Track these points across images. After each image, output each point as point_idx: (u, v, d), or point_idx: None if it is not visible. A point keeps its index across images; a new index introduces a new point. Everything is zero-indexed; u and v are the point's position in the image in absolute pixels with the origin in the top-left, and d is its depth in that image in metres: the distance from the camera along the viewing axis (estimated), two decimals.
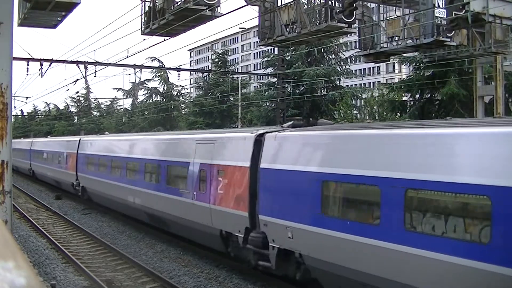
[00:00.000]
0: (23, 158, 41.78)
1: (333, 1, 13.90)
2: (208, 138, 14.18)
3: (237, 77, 45.69)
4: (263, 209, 10.95)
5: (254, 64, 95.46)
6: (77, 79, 28.89)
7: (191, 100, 59.54)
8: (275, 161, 10.79)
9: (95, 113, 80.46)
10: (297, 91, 36.38)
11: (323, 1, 14.28)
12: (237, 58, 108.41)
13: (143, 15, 15.28)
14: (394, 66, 73.19)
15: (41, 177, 36.60)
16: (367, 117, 34.96)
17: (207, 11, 13.02)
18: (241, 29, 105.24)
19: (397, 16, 17.57)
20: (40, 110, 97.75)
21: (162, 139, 18.48)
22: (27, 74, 28.17)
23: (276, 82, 34.20)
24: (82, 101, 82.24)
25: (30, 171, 39.69)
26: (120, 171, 20.06)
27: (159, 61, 52.15)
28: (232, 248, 12.41)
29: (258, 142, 11.36)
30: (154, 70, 55.84)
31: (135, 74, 63.43)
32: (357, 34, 18.23)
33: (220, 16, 13.34)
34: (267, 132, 11.38)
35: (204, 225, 13.09)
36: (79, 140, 26.94)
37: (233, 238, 12.11)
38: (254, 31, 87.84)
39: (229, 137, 13.52)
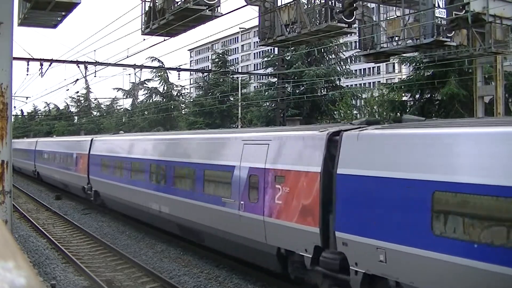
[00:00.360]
0: (27, 158, 40.10)
1: (333, 1, 13.89)
2: (259, 137, 11.93)
3: (237, 77, 45.71)
4: (342, 224, 8.91)
5: (254, 64, 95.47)
6: (77, 79, 28.99)
7: (191, 100, 59.57)
8: (361, 166, 8.73)
9: (95, 113, 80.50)
10: (297, 91, 36.41)
11: (323, 1, 14.28)
12: (237, 58, 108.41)
13: (143, 15, 15.28)
14: (394, 66, 73.19)
15: (46, 179, 34.59)
16: (367, 117, 34.97)
17: (207, 11, 13.02)
18: (241, 29, 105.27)
19: (397, 16, 17.57)
20: (40, 110, 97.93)
21: (197, 139, 15.95)
22: (27, 74, 28.26)
23: (276, 82, 34.21)
24: (82, 101, 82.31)
25: (35, 173, 37.69)
26: (142, 174, 17.75)
27: (159, 61, 52.21)
28: (293, 269, 10.45)
29: (332, 143, 9.44)
30: (154, 70, 55.90)
31: (135, 74, 63.49)
32: (357, 34, 18.24)
33: (220, 16, 13.34)
34: (343, 130, 9.42)
35: (255, 241, 11.11)
36: (91, 140, 24.52)
37: (295, 258, 10.18)
38: (254, 31, 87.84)
39: (289, 136, 11.18)
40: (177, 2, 13.72)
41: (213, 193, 13.04)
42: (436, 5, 15.12)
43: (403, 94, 30.99)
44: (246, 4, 15.12)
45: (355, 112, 37.41)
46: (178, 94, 60.14)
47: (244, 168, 11.61)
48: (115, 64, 26.36)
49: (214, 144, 14.29)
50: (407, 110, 28.31)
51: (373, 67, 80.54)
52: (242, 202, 11.50)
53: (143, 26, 15.30)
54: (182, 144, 16.20)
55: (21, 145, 45.72)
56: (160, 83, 59.45)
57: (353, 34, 18.87)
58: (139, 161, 18.15)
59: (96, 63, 25.74)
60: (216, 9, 13.23)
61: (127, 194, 18.76)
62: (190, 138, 16.67)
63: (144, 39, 16.40)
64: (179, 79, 51.07)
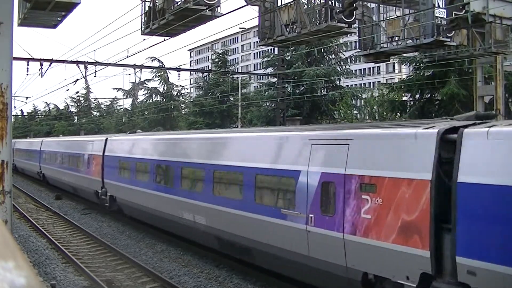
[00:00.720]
0: (31, 159, 38.22)
1: (333, 1, 13.88)
2: (335, 136, 9.81)
3: (237, 77, 45.72)
4: (467, 247, 7.08)
5: (254, 64, 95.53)
6: (77, 79, 28.99)
7: (191, 100, 59.58)
8: (498, 173, 6.94)
9: (95, 113, 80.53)
10: (297, 91, 36.42)
11: (323, 1, 14.27)
12: (237, 58, 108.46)
13: (143, 15, 15.27)
14: (394, 66, 73.20)
15: (53, 182, 32.41)
16: (367, 117, 35.03)
17: (207, 11, 13.01)
18: (241, 29, 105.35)
19: (397, 16, 17.56)
20: (40, 110, 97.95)
21: (245, 137, 13.52)
22: (27, 74, 28.26)
23: (276, 82, 34.22)
24: (82, 101, 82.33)
25: (40, 174, 35.46)
26: (171, 179, 15.52)
27: (159, 61, 52.25)
28: None
29: (445, 143, 7.67)
30: (154, 70, 55.92)
31: (135, 74, 63.58)
32: (357, 34, 18.22)
33: (220, 16, 13.33)
34: (460, 127, 7.66)
35: (329, 263, 9.22)
36: (106, 139, 22.37)
37: (388, 286, 8.35)
38: (254, 31, 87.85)
39: (380, 134, 9.08)
40: (177, 2, 13.71)
41: (268, 203, 10.93)
42: (436, 5, 15.11)
43: (403, 94, 31.01)
44: (246, 4, 15.11)
45: (355, 112, 37.44)
46: (178, 94, 60.16)
47: (313, 173, 9.58)
48: (115, 64, 26.37)
49: (269, 143, 11.91)
50: (407, 110, 28.35)
51: (373, 67, 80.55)
52: (311, 215, 9.49)
53: (143, 26, 15.28)
54: (224, 144, 13.88)
55: (25, 145, 44.30)
56: (160, 83, 59.51)
57: (353, 34, 18.85)
58: (167, 164, 15.91)
59: (96, 63, 25.75)
60: (216, 9, 13.21)
61: (151, 201, 16.68)
62: (235, 137, 14.09)
63: (144, 39, 16.39)
64: (179, 79, 51.23)
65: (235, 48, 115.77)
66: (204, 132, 21.01)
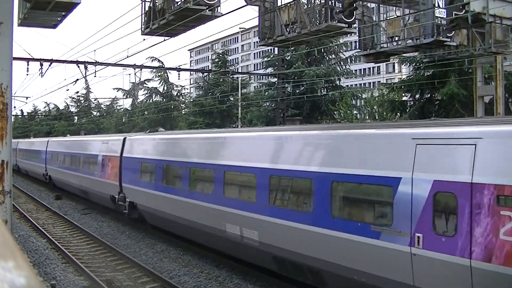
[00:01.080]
0: (36, 160, 36.36)
1: (333, 1, 13.88)
2: (451, 134, 7.74)
3: (237, 77, 45.74)
4: None
5: (254, 64, 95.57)
6: (77, 79, 28.97)
7: (191, 100, 59.61)
8: None
9: (95, 113, 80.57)
10: (297, 91, 36.45)
11: (323, 1, 14.27)
12: (237, 58, 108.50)
13: (143, 15, 15.27)
14: (394, 66, 73.23)
15: (61, 185, 30.30)
16: (367, 117, 35.05)
17: (207, 11, 13.01)
18: (241, 29, 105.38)
19: (397, 16, 17.56)
20: (40, 110, 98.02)
21: (316, 136, 10.89)
22: (27, 74, 28.25)
23: (276, 82, 34.22)
24: (82, 101, 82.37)
25: (46, 177, 33.33)
26: (210, 185, 13.39)
27: (159, 61, 52.29)
28: None
29: None
30: (154, 70, 55.96)
31: (135, 74, 63.66)
32: (357, 34, 18.22)
33: (220, 16, 13.33)
34: None
35: None
36: (124, 139, 20.02)
37: None
38: (254, 31, 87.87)
39: None
40: (177, 2, 13.71)
41: (351, 217, 8.91)
42: (436, 5, 15.11)
43: (403, 94, 31.02)
44: (246, 4, 15.11)
45: (355, 112, 37.45)
46: (178, 94, 60.19)
47: (421, 181, 7.70)
48: (115, 64, 26.38)
49: (351, 143, 9.60)
50: (407, 110, 28.36)
51: (373, 67, 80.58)
52: (418, 235, 7.60)
53: (143, 26, 15.28)
54: (286, 144, 11.44)
55: (29, 145, 42.33)
56: (160, 83, 59.55)
57: (353, 34, 18.85)
58: (205, 167, 13.68)
59: (96, 63, 25.75)
60: (216, 9, 13.21)
61: (183, 210, 14.51)
62: (302, 135, 11.32)
63: (144, 39, 16.39)
64: (179, 79, 51.21)
65: (235, 48, 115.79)
66: (255, 130, 17.58)
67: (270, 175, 10.78)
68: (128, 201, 18.63)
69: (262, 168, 11.06)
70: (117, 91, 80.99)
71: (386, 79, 68.38)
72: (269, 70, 40.83)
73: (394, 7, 18.70)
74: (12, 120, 11.29)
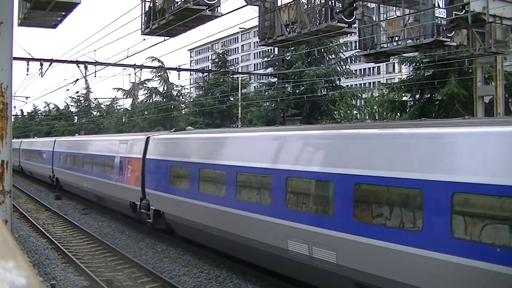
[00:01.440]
0: (41, 161, 34.33)
1: (333, 1, 13.89)
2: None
3: (237, 77, 45.75)
4: None
5: (254, 64, 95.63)
6: (77, 79, 28.99)
7: (191, 100, 59.63)
8: None
9: (95, 113, 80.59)
10: (297, 91, 36.46)
11: (323, 1, 14.28)
12: (237, 58, 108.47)
13: (143, 15, 15.28)
14: (394, 66, 73.21)
15: (69, 188, 28.32)
16: (367, 117, 35.05)
17: (207, 11, 13.02)
18: (241, 29, 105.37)
19: (397, 16, 17.57)
20: (40, 110, 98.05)
21: (403, 135, 8.46)
22: (27, 74, 28.28)
23: (276, 82, 34.22)
24: (82, 101, 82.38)
25: (53, 179, 31.16)
26: (266, 194, 11.07)
27: (159, 61, 52.28)
28: None
29: None
30: (154, 70, 55.97)
31: (135, 74, 63.64)
32: (357, 34, 18.23)
33: (220, 16, 13.34)
34: None
35: None
36: (147, 139, 17.56)
37: None
38: (254, 31, 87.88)
39: None
40: (177, 2, 13.72)
41: (479, 239, 6.73)
42: (436, 5, 15.13)
43: (403, 94, 31.03)
44: (246, 4, 15.12)
45: (355, 112, 37.46)
46: (178, 94, 60.20)
47: None
48: (115, 64, 26.38)
49: (466, 142, 7.30)
50: (407, 110, 28.37)
51: (373, 67, 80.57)
52: None
53: (143, 26, 15.30)
54: (377, 142, 8.90)
55: (33, 145, 39.78)
56: (160, 83, 59.57)
57: (353, 34, 18.86)
58: (259, 172, 11.33)
59: (96, 63, 25.75)
60: (216, 9, 13.23)
61: (226, 222, 12.39)
62: (381, 134, 9.04)
63: (144, 39, 16.41)
64: (179, 79, 51.17)
65: (235, 48, 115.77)
66: (328, 127, 14.12)
67: (355, 183, 8.69)
68: (153, 209, 16.36)
69: (341, 176, 9.01)
70: (117, 91, 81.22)
71: (386, 79, 68.37)
72: (269, 70, 40.85)
73: (394, 7, 18.71)
74: (12, 120, 11.29)
